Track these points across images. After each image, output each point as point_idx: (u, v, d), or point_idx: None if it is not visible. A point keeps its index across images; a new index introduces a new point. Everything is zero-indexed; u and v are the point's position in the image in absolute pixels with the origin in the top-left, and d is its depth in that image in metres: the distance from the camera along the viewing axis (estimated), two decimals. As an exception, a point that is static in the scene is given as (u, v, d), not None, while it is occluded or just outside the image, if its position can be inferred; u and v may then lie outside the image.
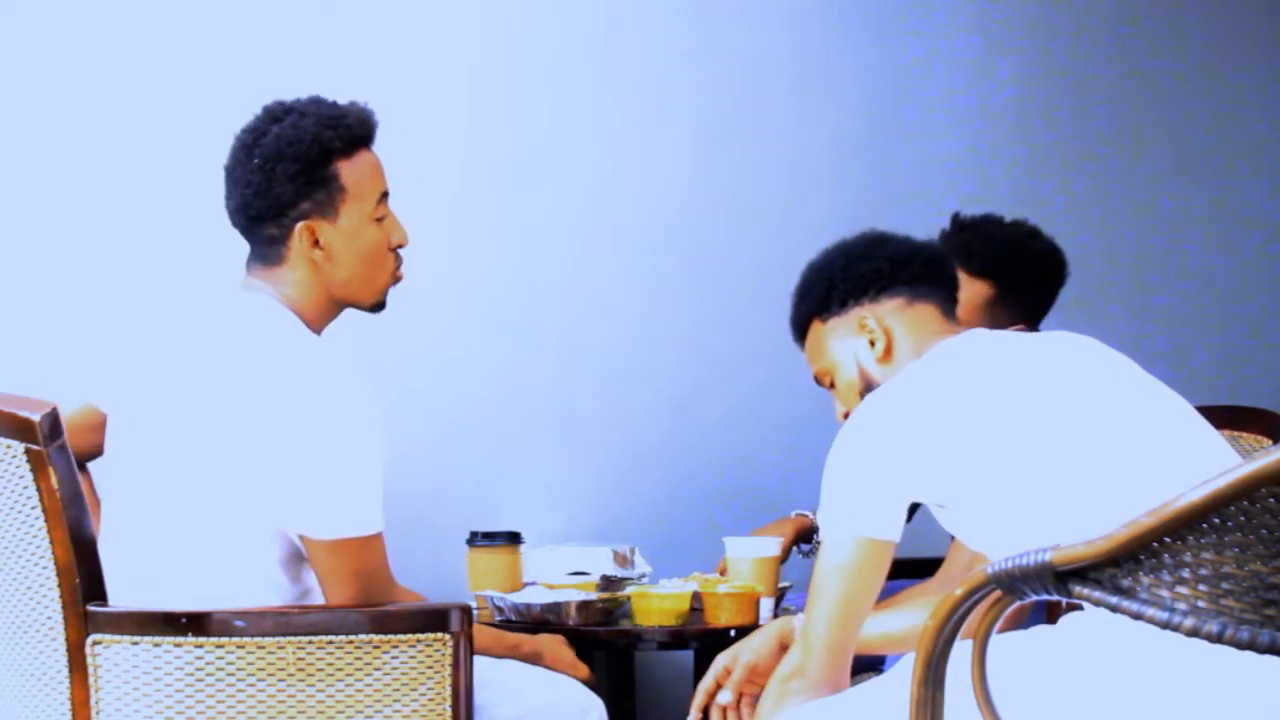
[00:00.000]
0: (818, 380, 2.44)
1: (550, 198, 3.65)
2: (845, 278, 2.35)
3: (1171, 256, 4.16)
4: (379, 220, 2.50)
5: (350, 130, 2.46)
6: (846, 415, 2.30)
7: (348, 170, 2.46)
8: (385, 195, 2.51)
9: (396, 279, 2.54)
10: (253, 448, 2.31)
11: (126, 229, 3.34)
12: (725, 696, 2.42)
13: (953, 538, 2.57)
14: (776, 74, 3.84)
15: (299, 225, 2.43)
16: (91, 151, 3.32)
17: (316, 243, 2.44)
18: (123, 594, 2.34)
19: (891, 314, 2.32)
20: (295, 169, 2.41)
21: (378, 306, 2.54)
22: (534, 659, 2.65)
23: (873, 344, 2.32)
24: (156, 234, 3.34)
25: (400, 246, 2.54)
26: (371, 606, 2.33)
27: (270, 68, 3.41)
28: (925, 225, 3.90)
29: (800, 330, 2.43)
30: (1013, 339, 2.25)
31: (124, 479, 2.45)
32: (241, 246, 2.51)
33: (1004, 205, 4.00)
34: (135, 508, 2.41)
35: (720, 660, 2.46)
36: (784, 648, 2.46)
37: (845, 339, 2.36)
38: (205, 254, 3.33)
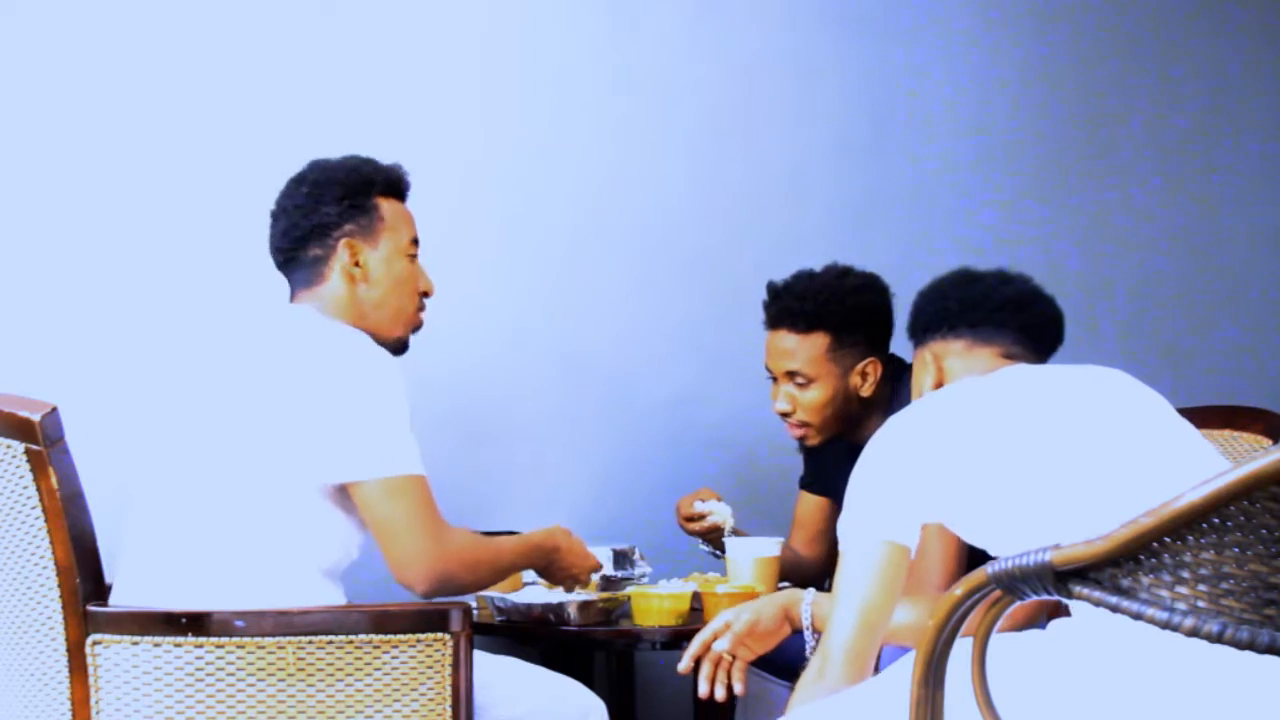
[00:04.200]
0: None
1: (551, 197, 3.65)
2: (926, 311, 2.46)
3: (1172, 257, 4.16)
4: (411, 258, 2.69)
5: (390, 174, 2.70)
6: None
7: (386, 205, 2.68)
8: (416, 241, 2.71)
9: (418, 324, 2.73)
10: (291, 416, 2.40)
11: (129, 231, 3.33)
12: (722, 644, 2.45)
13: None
14: (778, 74, 3.84)
15: (342, 242, 2.62)
16: (88, 152, 3.32)
17: (357, 261, 2.62)
18: (159, 590, 2.38)
19: (955, 354, 2.41)
20: (340, 194, 2.63)
21: (400, 343, 2.69)
22: (553, 554, 2.71)
23: (930, 376, 2.41)
24: (158, 235, 3.34)
25: (426, 294, 2.73)
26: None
27: (272, 68, 3.41)
28: (925, 226, 3.92)
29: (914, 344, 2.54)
30: (1042, 371, 2.29)
31: (166, 480, 2.49)
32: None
33: (1005, 204, 4.02)
34: (180, 510, 2.45)
35: (723, 615, 2.49)
36: (788, 616, 2.49)
37: (919, 367, 2.45)
38: (207, 253, 3.34)
